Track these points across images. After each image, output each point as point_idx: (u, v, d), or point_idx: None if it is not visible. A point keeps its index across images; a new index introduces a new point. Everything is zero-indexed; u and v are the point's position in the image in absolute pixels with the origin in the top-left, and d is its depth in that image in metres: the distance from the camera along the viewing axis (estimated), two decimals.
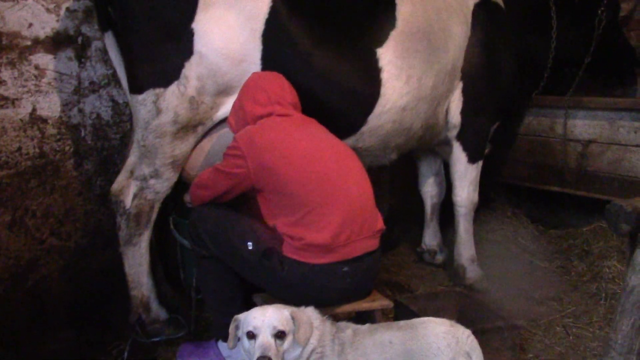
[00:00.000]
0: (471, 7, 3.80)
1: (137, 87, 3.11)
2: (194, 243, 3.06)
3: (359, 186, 2.88)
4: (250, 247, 2.82)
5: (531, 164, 4.80)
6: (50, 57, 3.50)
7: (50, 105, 3.53)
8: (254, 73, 3.11)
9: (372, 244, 2.88)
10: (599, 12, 4.33)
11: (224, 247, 2.90)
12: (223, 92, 3.17)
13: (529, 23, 4.18)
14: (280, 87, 3.05)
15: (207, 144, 3.34)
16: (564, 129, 4.47)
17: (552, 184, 4.65)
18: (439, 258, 4.56)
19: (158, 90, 3.06)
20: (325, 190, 2.75)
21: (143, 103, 3.10)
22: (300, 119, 3.02)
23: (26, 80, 3.44)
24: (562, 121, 4.41)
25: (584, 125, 4.35)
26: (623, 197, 4.06)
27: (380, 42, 3.39)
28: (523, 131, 4.84)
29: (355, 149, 3.24)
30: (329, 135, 3.01)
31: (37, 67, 3.46)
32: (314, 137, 2.93)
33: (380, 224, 2.92)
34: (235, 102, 3.11)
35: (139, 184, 3.27)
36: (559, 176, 4.57)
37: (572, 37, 4.38)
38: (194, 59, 3.05)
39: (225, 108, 3.21)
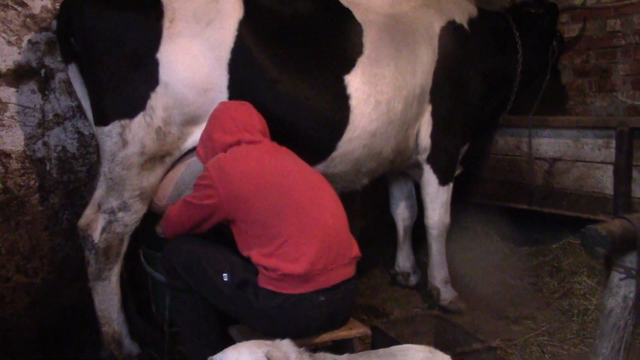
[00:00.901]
0: (437, 31, 3.85)
1: (102, 119, 3.06)
2: (167, 275, 3.00)
3: (333, 214, 2.86)
4: (225, 279, 2.77)
5: (499, 182, 4.86)
6: (12, 90, 3.42)
7: (13, 140, 3.45)
8: (220, 102, 3.10)
9: (349, 271, 2.86)
10: (554, 43, 4.50)
11: (199, 279, 2.84)
12: (190, 121, 3.14)
13: (494, 46, 4.25)
14: (248, 114, 3.03)
15: (175, 174, 3.30)
16: (530, 148, 4.54)
17: (520, 202, 4.71)
18: (413, 280, 4.56)
19: (124, 122, 3.02)
20: (300, 220, 2.73)
21: (109, 135, 3.05)
22: (270, 146, 3.01)
23: None
24: (528, 140, 4.48)
25: (549, 144, 4.42)
26: (590, 213, 4.20)
27: (348, 68, 3.41)
28: (490, 150, 4.90)
29: (326, 175, 3.23)
30: (299, 162, 2.99)
31: None
32: (285, 165, 2.91)
33: (355, 251, 2.90)
34: (203, 133, 3.08)
35: (107, 218, 3.20)
36: (526, 194, 4.63)
37: (531, 62, 4.47)
38: (159, 89, 3.02)
39: (193, 138, 3.19)
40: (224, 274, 2.78)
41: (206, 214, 2.84)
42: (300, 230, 2.72)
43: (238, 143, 2.94)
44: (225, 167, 2.81)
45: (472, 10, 4.20)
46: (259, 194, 2.74)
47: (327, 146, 3.42)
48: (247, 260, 2.80)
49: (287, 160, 2.95)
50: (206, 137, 3.04)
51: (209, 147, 3.01)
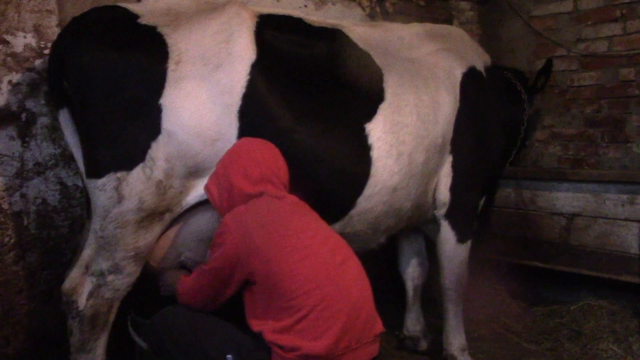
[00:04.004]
0: (459, 77, 3.61)
1: (95, 171, 2.69)
2: (154, 353, 2.64)
3: (358, 284, 2.53)
4: None
5: (511, 238, 4.59)
6: None
7: None
8: (244, 138, 2.77)
9: (373, 350, 2.52)
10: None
11: None
12: (194, 174, 2.81)
13: (506, 96, 4.05)
14: (274, 160, 2.74)
15: (172, 233, 2.95)
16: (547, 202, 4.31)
17: (534, 259, 4.45)
18: (423, 345, 4.18)
19: (120, 174, 2.67)
20: (324, 291, 2.39)
21: (102, 188, 2.68)
22: (293, 203, 2.68)
23: None
24: (545, 194, 4.24)
25: (567, 198, 4.20)
26: (612, 273, 3.96)
27: (369, 116, 3.12)
28: (501, 204, 4.64)
29: (342, 235, 2.88)
30: (321, 223, 2.68)
31: None
32: (309, 226, 2.59)
33: (380, 326, 2.57)
34: (219, 169, 2.72)
35: (95, 281, 2.81)
36: (541, 251, 4.38)
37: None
38: (161, 139, 2.69)
39: (196, 192, 2.85)
40: (228, 356, 2.43)
41: (226, 272, 2.50)
42: (325, 303, 2.38)
43: (260, 195, 2.63)
44: (245, 219, 2.51)
45: (487, 58, 3.99)
46: (279, 256, 2.42)
47: (346, 203, 3.10)
48: (258, 336, 2.44)
49: (310, 222, 2.63)
50: (223, 175, 2.68)
51: (224, 188, 2.67)
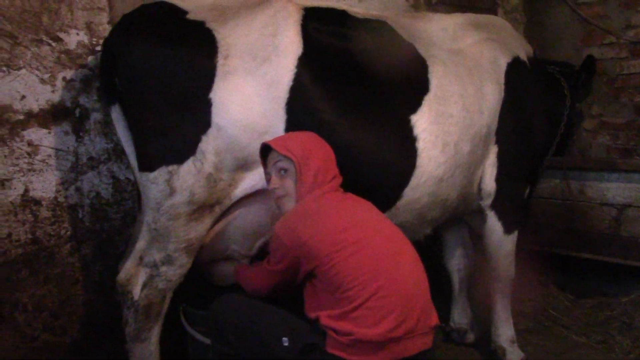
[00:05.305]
0: (503, 67, 3.57)
1: (147, 165, 2.76)
2: (214, 339, 2.69)
3: (414, 274, 2.55)
4: (285, 344, 2.47)
5: (559, 229, 4.53)
6: (44, 131, 3.15)
7: (44, 185, 3.17)
8: (314, 135, 2.80)
9: (427, 341, 2.52)
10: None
11: (253, 345, 2.53)
12: (242, 166, 2.85)
13: (548, 86, 3.98)
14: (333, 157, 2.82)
15: (221, 225, 3.00)
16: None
17: (583, 251, 4.38)
18: (470, 337, 4.17)
19: (171, 168, 2.73)
20: (379, 283, 2.41)
21: (154, 182, 2.75)
22: (342, 199, 2.73)
23: (17, 158, 3.08)
24: (595, 184, 4.16)
25: (618, 189, 4.12)
26: None
27: (414, 107, 3.12)
28: (548, 194, 4.57)
29: None
30: (375, 213, 2.71)
31: (30, 144, 3.11)
32: (362, 219, 2.62)
33: (435, 319, 2.57)
34: (312, 166, 2.71)
35: (149, 272, 2.88)
36: (590, 242, 4.31)
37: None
38: (211, 132, 2.73)
39: (244, 185, 2.89)
40: (284, 338, 2.48)
41: (292, 271, 2.58)
42: (380, 293, 2.40)
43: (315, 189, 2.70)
44: (294, 225, 2.56)
45: (529, 49, 3.94)
46: (333, 252, 2.45)
47: (392, 194, 3.11)
48: (313, 322, 2.49)
49: (365, 214, 2.67)
50: (314, 172, 2.72)
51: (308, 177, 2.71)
